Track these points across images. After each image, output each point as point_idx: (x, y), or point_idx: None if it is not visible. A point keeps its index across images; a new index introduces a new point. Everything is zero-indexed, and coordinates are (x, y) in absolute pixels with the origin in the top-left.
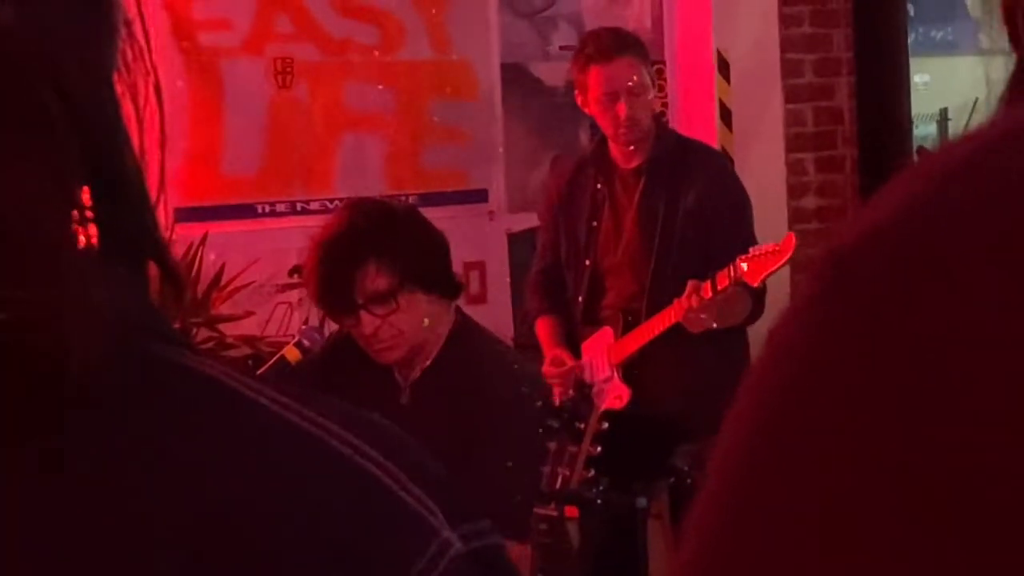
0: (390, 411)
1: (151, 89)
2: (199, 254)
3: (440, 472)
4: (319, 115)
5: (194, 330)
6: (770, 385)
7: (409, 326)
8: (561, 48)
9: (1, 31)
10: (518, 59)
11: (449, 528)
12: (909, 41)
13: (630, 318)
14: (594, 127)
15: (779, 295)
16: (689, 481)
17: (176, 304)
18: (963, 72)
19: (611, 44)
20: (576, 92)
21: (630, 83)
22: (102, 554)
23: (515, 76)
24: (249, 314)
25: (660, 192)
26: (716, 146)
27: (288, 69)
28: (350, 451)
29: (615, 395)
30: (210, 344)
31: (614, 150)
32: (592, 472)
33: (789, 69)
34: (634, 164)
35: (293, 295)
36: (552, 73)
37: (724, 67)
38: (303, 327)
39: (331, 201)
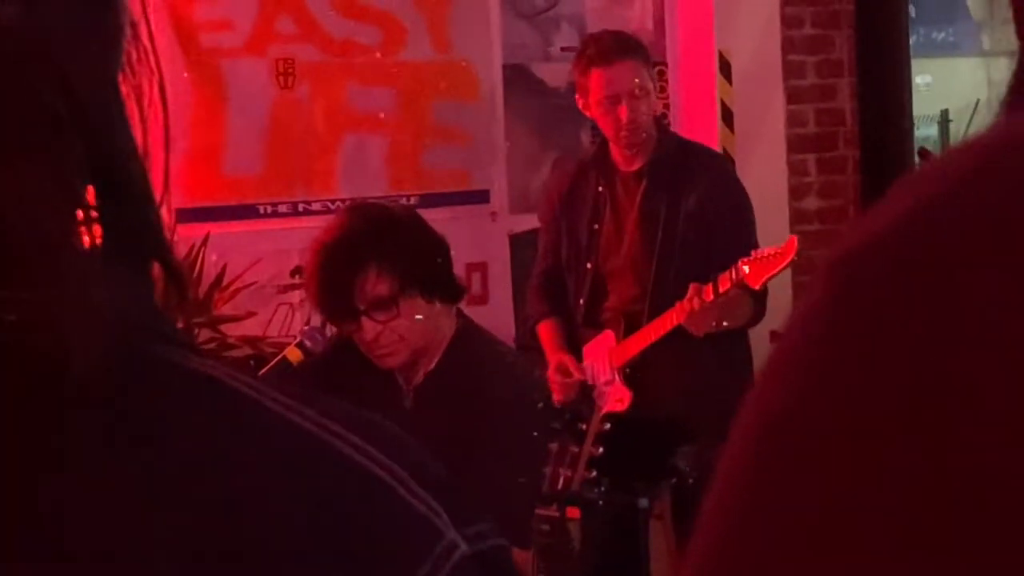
0: (393, 414)
1: (155, 90)
2: (201, 254)
3: (444, 474)
4: (321, 116)
5: (196, 331)
6: (774, 387)
7: (410, 331)
8: (563, 49)
9: (6, 30)
10: (520, 60)
11: (454, 530)
12: (910, 42)
13: (632, 321)
14: (595, 128)
15: (781, 297)
16: (691, 482)
17: (179, 305)
18: (964, 73)
19: (612, 47)
20: (577, 95)
21: (632, 86)
22: (102, 554)
23: (517, 77)
24: (251, 314)
25: (661, 195)
26: (718, 147)
27: (290, 70)
28: (353, 452)
29: (617, 398)
30: (212, 345)
31: (615, 152)
32: (594, 473)
33: (791, 70)
34: (635, 167)
35: (295, 296)
36: (554, 74)
37: (726, 68)
38: (305, 328)
39: (333, 202)
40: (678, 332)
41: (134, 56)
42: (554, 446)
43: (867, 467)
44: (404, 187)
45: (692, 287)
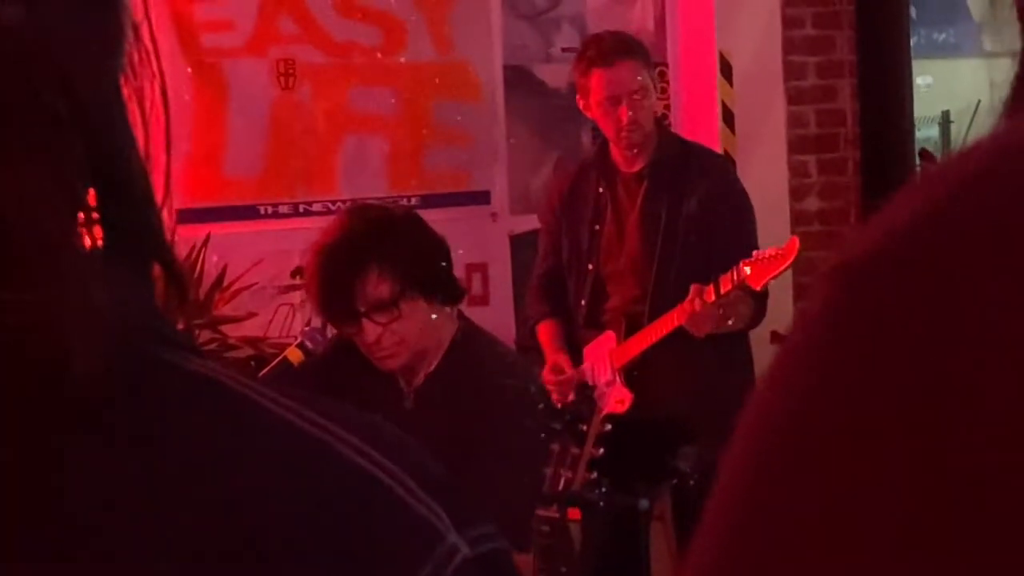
0: (393, 416)
1: (157, 92)
2: (202, 255)
3: (445, 476)
4: (321, 116)
5: (196, 331)
6: (777, 388)
7: (411, 333)
8: (564, 50)
9: (7, 30)
10: (520, 61)
11: (455, 532)
12: (911, 43)
13: (632, 322)
14: (596, 129)
15: (782, 298)
16: (691, 483)
17: (180, 306)
18: (965, 74)
19: (613, 48)
20: (578, 96)
21: (632, 87)
22: (103, 555)
23: (517, 78)
24: (251, 315)
25: (662, 196)
26: (718, 148)
27: (290, 71)
28: (354, 455)
29: (617, 399)
30: (212, 345)
31: (616, 154)
32: (594, 474)
33: (791, 71)
34: (636, 168)
35: (295, 296)
36: (554, 75)
37: (727, 69)
38: (305, 328)
39: (333, 202)
40: (679, 333)
41: (136, 58)
42: (555, 447)
43: (867, 467)
44: (405, 188)
45: (693, 288)
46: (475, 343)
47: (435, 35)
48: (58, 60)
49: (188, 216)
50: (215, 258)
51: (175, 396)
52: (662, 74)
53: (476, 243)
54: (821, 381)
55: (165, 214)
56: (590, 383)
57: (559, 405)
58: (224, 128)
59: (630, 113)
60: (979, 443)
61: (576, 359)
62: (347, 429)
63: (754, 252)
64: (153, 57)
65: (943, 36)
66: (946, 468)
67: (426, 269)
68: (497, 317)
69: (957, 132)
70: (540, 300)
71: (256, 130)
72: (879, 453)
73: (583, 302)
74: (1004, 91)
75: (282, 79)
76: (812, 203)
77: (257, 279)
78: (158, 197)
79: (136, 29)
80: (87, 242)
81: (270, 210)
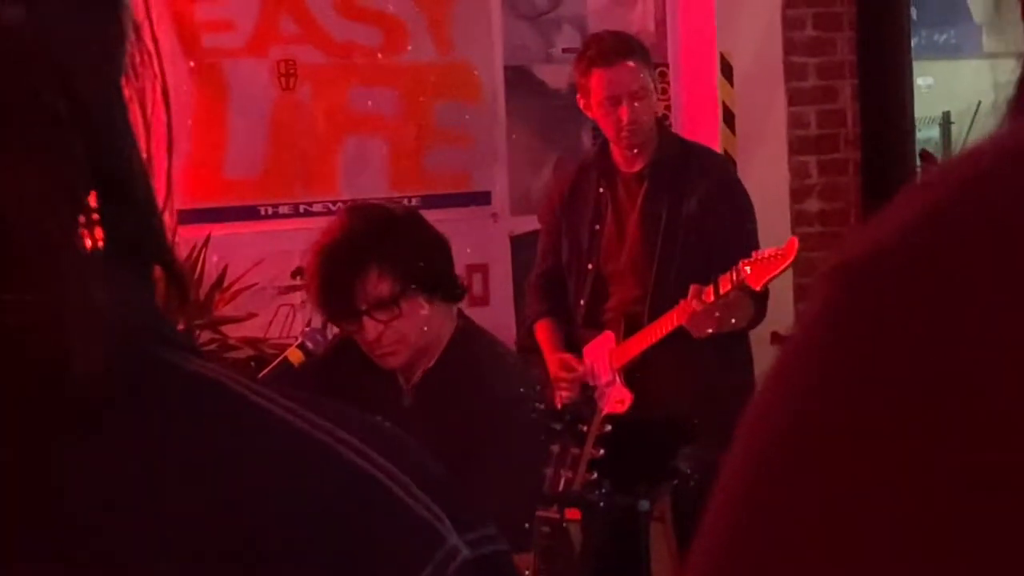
0: (392, 413)
1: (159, 94)
2: (202, 256)
3: (446, 478)
4: (322, 117)
5: (197, 332)
6: (778, 389)
7: (412, 331)
8: (564, 50)
9: (10, 31)
10: (521, 61)
11: (456, 535)
12: (912, 44)
13: (632, 322)
14: (597, 130)
15: (782, 298)
16: (692, 484)
17: (180, 307)
18: (966, 75)
19: (613, 48)
20: (578, 95)
21: (633, 87)
22: (103, 555)
23: (518, 78)
24: (252, 316)
25: (663, 196)
26: (719, 149)
27: (291, 71)
28: (356, 456)
29: (617, 399)
30: (213, 346)
31: (616, 153)
32: (595, 475)
33: (792, 72)
34: (637, 168)
35: (296, 297)
36: (555, 75)
37: (727, 70)
38: (306, 329)
39: (334, 203)
40: (679, 333)
41: (137, 59)
42: (555, 448)
43: (867, 467)
44: (405, 188)
45: (693, 288)
46: (472, 341)
47: (436, 36)
48: (58, 60)
49: (188, 216)
50: (215, 259)
51: (175, 397)
52: (663, 75)
53: (477, 244)
54: (821, 381)
55: (166, 215)
56: (590, 383)
57: (560, 405)
58: (224, 128)
59: (630, 113)
60: (979, 443)
61: (577, 359)
62: (347, 430)
63: (754, 252)
64: (155, 58)
65: (944, 37)
66: (946, 468)
67: (426, 267)
68: (497, 318)
69: (958, 133)
70: (539, 299)
71: (256, 131)
72: (879, 453)
73: (582, 302)
74: (1007, 91)
75: (283, 79)
76: (813, 204)
77: (257, 280)
78: (159, 199)
79: (137, 30)
80: (87, 243)
81: (270, 211)
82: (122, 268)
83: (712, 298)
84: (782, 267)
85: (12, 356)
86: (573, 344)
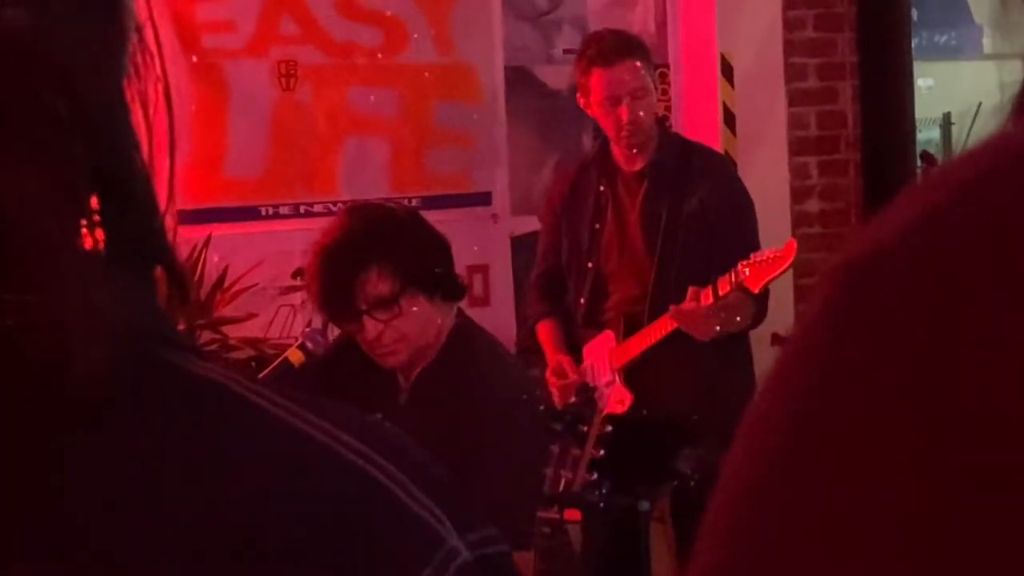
0: (390, 412)
1: (161, 95)
2: (203, 256)
3: (446, 478)
4: (323, 118)
5: (197, 332)
6: (779, 389)
7: (412, 330)
8: (565, 51)
9: (12, 32)
10: (522, 62)
11: (456, 535)
12: (912, 45)
13: (632, 322)
14: (597, 130)
15: (782, 299)
16: (691, 485)
17: (181, 308)
18: (966, 76)
19: (613, 47)
20: (579, 94)
21: (632, 87)
22: (103, 555)
23: (519, 79)
24: (252, 316)
25: (663, 195)
26: (719, 150)
27: (292, 71)
28: (356, 457)
29: (617, 399)
30: (213, 346)
31: (617, 152)
32: (595, 475)
33: (793, 73)
34: (637, 167)
35: (296, 297)
36: (556, 76)
37: (728, 71)
38: (306, 329)
39: (334, 203)
40: (679, 333)
41: (140, 61)
42: (555, 448)
43: (867, 467)
44: (406, 189)
45: (691, 291)
46: (470, 340)
47: (436, 36)
48: (59, 60)
49: (189, 217)
50: (216, 259)
51: (176, 397)
52: (663, 76)
53: (477, 244)
54: (821, 381)
55: (169, 219)
56: (590, 383)
57: (560, 407)
58: (225, 129)
59: (630, 113)
60: (979, 443)
61: (576, 358)
62: (347, 431)
63: (752, 254)
64: (156, 59)
65: (944, 38)
66: (946, 468)
67: (426, 267)
68: (498, 318)
69: (958, 134)
70: (539, 299)
71: (257, 131)
72: (879, 453)
73: (583, 301)
74: (1011, 91)
75: (283, 80)
76: (813, 205)
77: (258, 280)
78: (161, 200)
79: (139, 30)
80: (88, 243)
81: (271, 211)
82: (123, 269)
83: (711, 300)
84: (781, 269)
85: (12, 356)
86: (574, 343)
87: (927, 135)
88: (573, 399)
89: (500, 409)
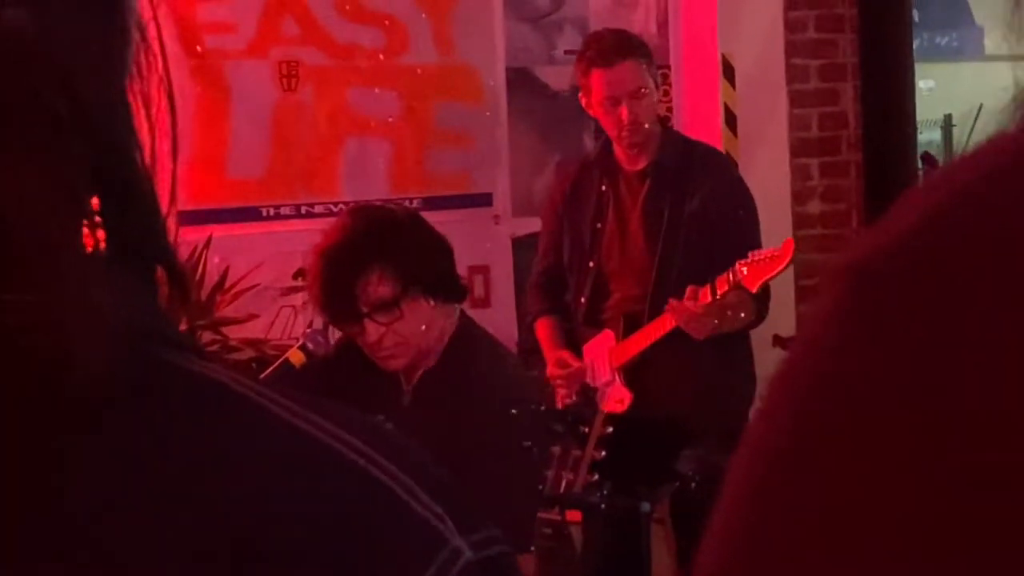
0: (392, 413)
1: (164, 96)
2: (203, 257)
3: (448, 479)
4: (324, 118)
5: (198, 333)
6: (783, 389)
7: (413, 333)
8: (566, 52)
9: (12, 32)
10: (523, 63)
11: (459, 536)
12: (914, 47)
13: (632, 321)
14: (599, 131)
15: (783, 300)
16: (692, 486)
17: (182, 308)
18: (968, 78)
19: (613, 47)
20: (580, 94)
21: (633, 87)
22: (103, 555)
23: (520, 80)
24: (253, 317)
25: (665, 195)
26: (721, 150)
27: (293, 72)
28: (358, 457)
29: (617, 399)
30: (214, 347)
31: (619, 152)
32: (596, 476)
33: (794, 74)
34: (639, 166)
35: (297, 298)
36: (557, 77)
37: (729, 72)
38: (307, 330)
39: (335, 204)
40: (679, 333)
41: (143, 62)
42: (556, 449)
43: (867, 467)
44: (407, 190)
45: (689, 289)
46: (473, 342)
47: (437, 37)
48: (59, 61)
49: (190, 217)
50: (217, 260)
51: (177, 397)
52: (664, 76)
53: (478, 245)
54: (823, 381)
55: (171, 222)
56: (590, 383)
57: (562, 405)
58: (226, 130)
59: (630, 113)
60: (979, 443)
61: (576, 356)
62: (349, 431)
63: (750, 254)
64: (159, 60)
65: (945, 39)
66: (946, 468)
67: (428, 269)
68: (499, 319)
69: (959, 135)
70: (540, 297)
71: (258, 132)
72: (879, 453)
73: (583, 300)
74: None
75: (284, 81)
76: (814, 206)
77: (259, 281)
78: (163, 202)
79: (142, 31)
80: (89, 244)
81: (272, 212)
82: (124, 269)
83: (708, 299)
84: (778, 268)
85: (12, 356)
86: (574, 342)
87: (928, 136)
88: (575, 397)
89: (503, 412)
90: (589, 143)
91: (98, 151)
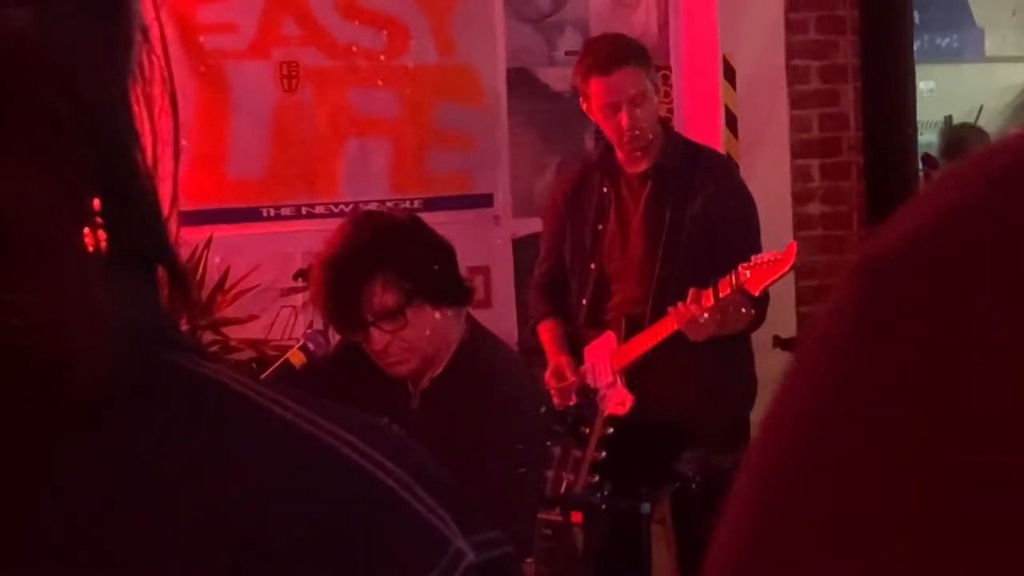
0: (399, 416)
1: (166, 98)
2: (204, 257)
3: (451, 481)
4: (324, 119)
5: (198, 334)
6: (792, 390)
7: (419, 340)
8: (567, 53)
9: (14, 32)
10: (524, 64)
11: (462, 538)
12: (914, 48)
13: (633, 323)
14: (599, 132)
15: (784, 302)
16: (692, 487)
17: (183, 309)
18: (968, 79)
19: (610, 55)
20: (581, 99)
21: (630, 93)
22: (103, 555)
23: (521, 81)
24: (253, 317)
25: (667, 197)
26: (721, 152)
27: (294, 73)
28: (359, 457)
29: (618, 401)
30: (214, 347)
31: (620, 154)
32: (596, 477)
33: (795, 75)
34: (641, 168)
35: (297, 299)
36: (558, 78)
37: (730, 73)
38: (308, 331)
39: (336, 205)
40: (680, 336)
41: (146, 63)
42: (556, 450)
43: (867, 467)
44: (407, 190)
45: (691, 292)
46: (482, 347)
47: (438, 38)
48: (60, 61)
49: (190, 218)
50: (217, 260)
51: (178, 397)
52: (665, 78)
53: (479, 246)
54: (827, 381)
55: (173, 223)
56: (591, 385)
57: (560, 408)
58: (227, 130)
59: (629, 120)
60: (979, 443)
61: (577, 358)
62: (350, 432)
63: (753, 257)
64: (162, 61)
65: (946, 41)
66: (946, 468)
67: (431, 275)
68: (499, 320)
69: None
70: (541, 300)
71: (259, 132)
72: (879, 453)
73: (584, 302)
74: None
75: (285, 81)
76: (815, 207)
77: (259, 281)
78: (165, 203)
79: (145, 32)
80: (90, 244)
81: (273, 212)
82: (126, 270)
83: (711, 302)
84: (781, 272)
85: (13, 356)
86: (575, 343)
87: (929, 138)
88: (573, 401)
89: (509, 416)
90: (590, 144)
91: (99, 151)
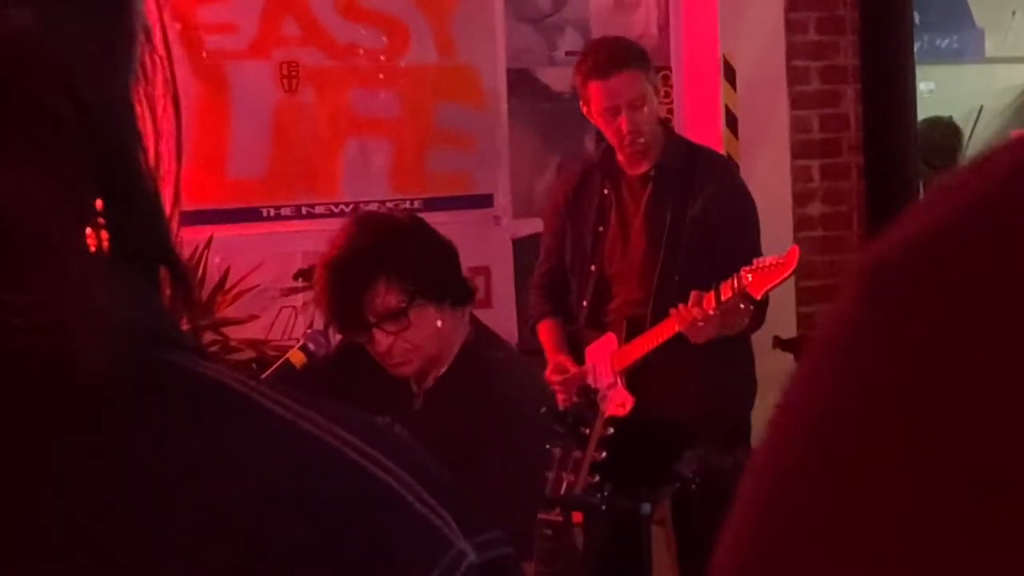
0: (402, 416)
1: (168, 98)
2: (204, 257)
3: (453, 482)
4: (325, 119)
5: (199, 333)
6: (795, 392)
7: (422, 340)
8: (567, 53)
9: (16, 32)
10: (524, 64)
11: (463, 538)
12: (915, 49)
13: (634, 324)
14: (600, 133)
15: (784, 303)
16: (692, 487)
17: (185, 309)
18: (968, 80)
19: (609, 59)
20: (580, 102)
21: (630, 96)
22: (102, 555)
23: (521, 81)
24: (254, 318)
25: (667, 198)
26: (722, 152)
27: (294, 73)
28: (360, 458)
29: (619, 402)
30: (214, 348)
31: (621, 156)
32: (596, 477)
33: (795, 76)
34: (642, 170)
35: (298, 299)
36: (558, 78)
37: (730, 73)
38: (308, 331)
39: (336, 205)
40: (681, 337)
41: (148, 64)
42: (557, 450)
43: (867, 468)
44: (407, 191)
45: (693, 295)
46: (486, 347)
47: (438, 38)
48: (62, 61)
49: (191, 218)
50: (217, 260)
51: (178, 397)
52: (665, 78)
53: (479, 246)
54: (830, 381)
55: (174, 224)
56: (591, 386)
57: (563, 407)
58: (227, 130)
59: (629, 123)
60: (979, 443)
61: (577, 359)
62: (351, 432)
63: (755, 260)
64: (164, 62)
65: (946, 42)
66: (946, 468)
67: (433, 276)
68: (499, 320)
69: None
70: (542, 299)
71: (259, 132)
72: (880, 453)
73: (585, 303)
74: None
75: (285, 81)
76: (815, 208)
77: (259, 281)
78: (167, 204)
79: (147, 33)
80: (92, 244)
81: (273, 212)
82: (128, 270)
83: (713, 305)
84: (783, 276)
85: (13, 356)
86: (576, 344)
87: None
88: (575, 399)
89: (513, 418)
90: (590, 145)
91: (101, 152)
